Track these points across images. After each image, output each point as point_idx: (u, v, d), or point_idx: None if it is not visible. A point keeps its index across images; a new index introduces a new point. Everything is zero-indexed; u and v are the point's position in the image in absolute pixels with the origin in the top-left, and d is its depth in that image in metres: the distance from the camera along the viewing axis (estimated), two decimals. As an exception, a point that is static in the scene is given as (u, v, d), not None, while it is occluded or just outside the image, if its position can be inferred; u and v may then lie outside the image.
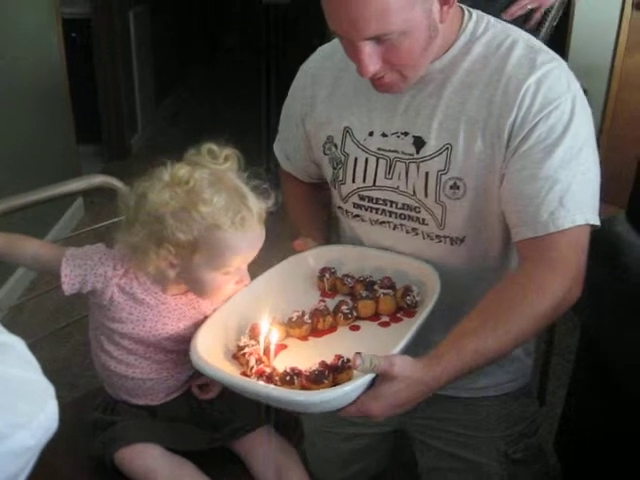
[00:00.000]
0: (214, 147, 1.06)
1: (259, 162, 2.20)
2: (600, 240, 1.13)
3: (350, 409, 0.93)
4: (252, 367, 1.00)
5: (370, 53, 1.01)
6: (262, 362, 1.01)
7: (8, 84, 2.40)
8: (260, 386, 0.95)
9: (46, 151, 2.72)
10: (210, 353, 1.02)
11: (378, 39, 1.00)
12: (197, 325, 1.10)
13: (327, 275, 1.21)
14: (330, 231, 1.37)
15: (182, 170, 1.03)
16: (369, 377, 0.92)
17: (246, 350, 1.03)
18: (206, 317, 1.11)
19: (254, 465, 1.12)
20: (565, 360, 1.50)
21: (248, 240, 1.04)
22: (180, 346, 1.10)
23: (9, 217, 1.22)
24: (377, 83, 1.08)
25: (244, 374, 1.01)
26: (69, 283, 1.07)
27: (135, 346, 1.10)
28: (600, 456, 1.51)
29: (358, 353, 0.90)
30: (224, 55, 4.69)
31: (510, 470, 1.28)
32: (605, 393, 1.46)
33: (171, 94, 4.28)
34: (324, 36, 2.32)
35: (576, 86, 1.10)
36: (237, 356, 1.05)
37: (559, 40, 2.30)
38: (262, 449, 1.11)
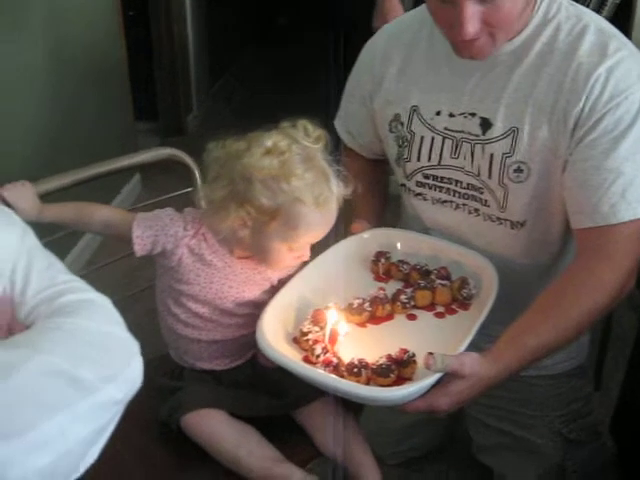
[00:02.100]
0: (309, 125, 1.09)
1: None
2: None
3: (418, 405, 0.97)
4: (318, 356, 1.02)
5: (473, 13, 1.01)
6: (328, 351, 1.03)
7: (68, 62, 2.45)
8: (331, 379, 0.98)
9: (105, 128, 2.77)
10: (273, 336, 1.04)
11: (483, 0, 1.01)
12: (261, 290, 1.15)
13: (382, 260, 1.22)
14: (385, 212, 1.39)
15: (283, 142, 1.06)
16: (439, 375, 0.95)
17: (310, 337, 1.05)
18: (271, 284, 1.15)
19: (316, 434, 1.15)
20: (623, 344, 1.49)
21: (323, 220, 1.08)
22: (244, 310, 1.14)
23: (68, 195, 1.26)
24: (467, 46, 1.07)
25: (306, 359, 1.04)
26: (141, 244, 1.11)
27: (201, 309, 1.14)
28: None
29: (430, 353, 0.94)
30: (281, 33, 4.67)
31: (565, 449, 1.29)
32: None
33: (226, 73, 4.32)
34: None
35: None
36: (299, 341, 1.07)
37: (623, 17, 2.24)
38: (324, 419, 1.13)
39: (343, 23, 3.02)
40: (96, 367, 0.67)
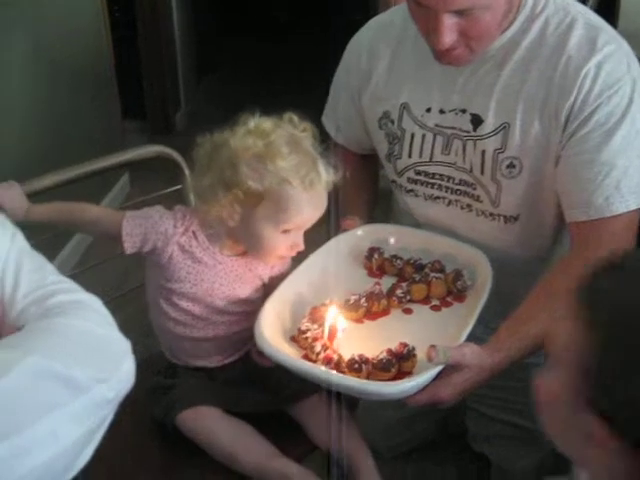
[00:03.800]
0: (294, 117, 1.10)
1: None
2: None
3: (421, 397, 0.97)
4: (318, 353, 1.02)
5: (450, 25, 1.01)
6: (327, 348, 1.04)
7: (54, 62, 2.44)
8: (334, 376, 0.98)
9: (93, 127, 2.76)
10: (272, 335, 1.04)
11: (461, 12, 1.00)
12: (252, 288, 1.14)
13: (376, 255, 1.22)
14: (374, 208, 1.39)
15: (267, 123, 1.07)
16: (441, 367, 0.96)
17: (309, 334, 1.05)
18: (262, 282, 1.15)
19: (311, 429, 1.16)
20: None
21: (313, 203, 1.07)
22: (236, 308, 1.14)
23: (57, 194, 1.25)
24: (444, 54, 1.07)
25: (306, 357, 1.04)
26: (130, 242, 1.10)
27: (192, 307, 1.14)
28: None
29: (433, 346, 0.94)
30: (273, 29, 4.65)
31: None
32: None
33: (215, 70, 4.30)
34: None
35: (636, 68, 1.09)
36: (297, 339, 1.07)
37: (608, 7, 2.24)
38: (319, 414, 1.14)
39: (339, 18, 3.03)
40: (88, 367, 0.67)
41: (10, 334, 0.67)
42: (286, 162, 1.04)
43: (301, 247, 1.12)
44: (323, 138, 1.37)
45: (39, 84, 2.33)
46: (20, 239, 0.77)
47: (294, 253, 1.14)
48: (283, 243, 1.10)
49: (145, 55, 3.51)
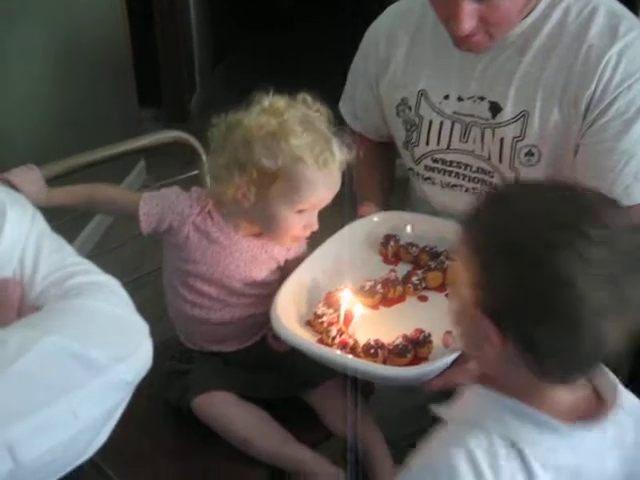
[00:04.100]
0: (308, 97, 1.10)
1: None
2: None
3: (437, 382, 0.98)
4: (334, 338, 1.03)
5: (470, 11, 1.00)
6: (343, 333, 1.04)
7: (71, 50, 2.44)
8: (351, 360, 0.99)
9: (110, 114, 2.77)
10: (287, 320, 1.05)
11: None
12: (268, 270, 1.15)
13: (391, 242, 1.22)
14: (391, 196, 1.38)
15: (281, 102, 1.08)
16: (458, 353, 0.96)
17: (324, 319, 1.06)
18: (277, 264, 1.15)
19: (326, 416, 1.16)
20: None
21: (326, 181, 1.07)
22: (252, 290, 1.15)
23: (74, 182, 1.26)
24: (463, 41, 1.07)
25: (321, 341, 1.04)
26: (147, 221, 1.11)
27: (208, 289, 1.14)
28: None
29: (449, 332, 0.95)
30: (287, 16, 4.64)
31: None
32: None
33: (230, 56, 4.30)
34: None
35: None
36: (313, 323, 1.07)
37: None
38: (335, 400, 1.14)
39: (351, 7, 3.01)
40: (107, 348, 0.67)
41: (30, 314, 0.68)
42: (300, 140, 1.04)
43: (315, 227, 1.12)
44: (339, 122, 1.38)
45: (58, 72, 2.34)
46: (40, 221, 0.77)
47: (308, 233, 1.14)
48: (297, 223, 1.10)
49: (162, 43, 3.52)
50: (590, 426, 0.70)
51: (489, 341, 0.70)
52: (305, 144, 1.04)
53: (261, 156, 1.04)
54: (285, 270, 1.16)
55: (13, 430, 0.60)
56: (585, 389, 0.74)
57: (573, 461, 0.70)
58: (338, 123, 1.24)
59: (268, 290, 1.13)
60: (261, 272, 1.15)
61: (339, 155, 1.07)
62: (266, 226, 1.12)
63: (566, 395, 0.72)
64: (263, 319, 1.12)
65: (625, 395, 0.75)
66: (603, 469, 0.72)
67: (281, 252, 1.16)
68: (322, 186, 1.07)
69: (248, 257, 1.14)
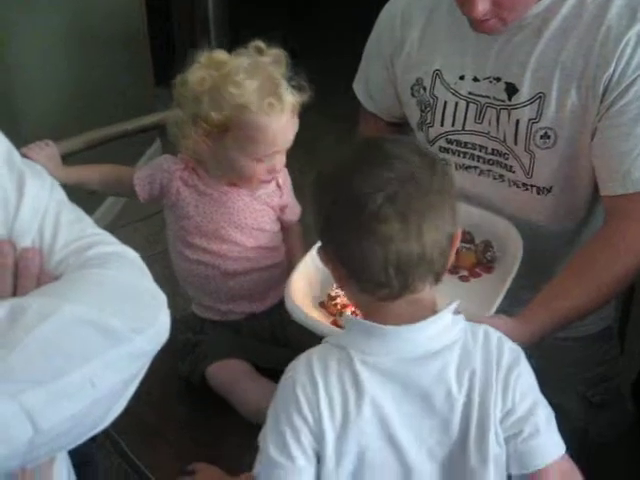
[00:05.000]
0: (262, 45, 1.13)
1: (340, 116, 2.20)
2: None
3: None
4: None
5: None
6: (357, 315, 1.04)
7: (88, 28, 2.45)
8: None
9: (125, 92, 2.77)
10: (301, 300, 1.05)
11: None
12: (265, 218, 1.18)
13: None
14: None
15: (219, 54, 1.11)
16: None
17: (338, 301, 1.06)
18: (273, 211, 1.19)
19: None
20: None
21: (276, 126, 1.09)
22: (251, 240, 1.18)
23: (90, 160, 1.29)
24: (478, 23, 1.06)
25: (334, 323, 1.04)
26: (140, 185, 1.17)
27: (207, 243, 1.17)
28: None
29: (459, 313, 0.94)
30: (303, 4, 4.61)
31: (589, 413, 1.29)
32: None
33: (247, 36, 4.29)
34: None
35: None
36: (326, 305, 1.08)
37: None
38: None
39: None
40: (126, 317, 0.68)
41: (49, 283, 0.68)
42: (241, 89, 1.06)
43: (279, 169, 1.15)
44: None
45: (72, 51, 2.35)
46: (59, 190, 0.77)
47: (274, 176, 1.16)
48: (260, 169, 1.12)
49: (178, 22, 3.51)
50: (411, 328, 0.77)
51: (333, 273, 0.82)
52: (249, 91, 1.06)
53: (208, 109, 1.07)
54: (285, 220, 1.22)
55: (32, 397, 0.60)
56: (426, 305, 0.81)
57: (392, 365, 0.77)
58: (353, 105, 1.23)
59: (267, 240, 1.18)
60: (256, 220, 1.18)
61: (288, 98, 1.09)
62: (231, 175, 1.15)
63: (403, 310, 0.79)
64: (270, 275, 1.17)
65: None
66: (429, 376, 0.77)
67: (272, 198, 1.19)
68: (272, 131, 1.09)
69: (240, 205, 1.17)
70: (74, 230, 0.73)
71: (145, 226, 1.50)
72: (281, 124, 1.09)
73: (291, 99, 1.10)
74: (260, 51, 1.13)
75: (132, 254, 0.75)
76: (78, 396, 0.64)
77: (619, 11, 1.06)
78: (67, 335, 0.64)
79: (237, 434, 1.12)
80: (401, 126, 1.36)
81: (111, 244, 0.75)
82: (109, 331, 0.65)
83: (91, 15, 2.47)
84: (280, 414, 0.78)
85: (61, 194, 0.77)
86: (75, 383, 0.63)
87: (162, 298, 0.74)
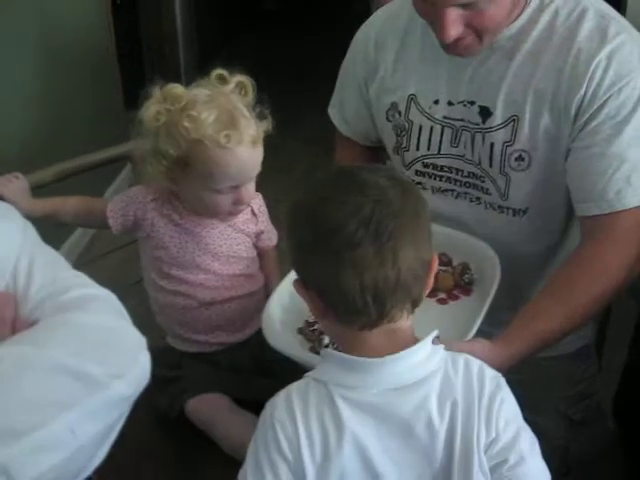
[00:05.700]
0: (225, 73, 1.10)
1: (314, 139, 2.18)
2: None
3: None
4: (326, 346, 1.02)
5: (455, 18, 1.00)
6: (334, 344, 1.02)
7: (56, 51, 2.42)
8: None
9: (95, 117, 2.75)
10: (279, 327, 1.04)
11: (465, 5, 0.99)
12: (241, 245, 1.17)
13: None
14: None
15: (175, 88, 1.08)
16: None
17: (316, 327, 1.04)
18: (249, 238, 1.18)
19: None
20: (621, 326, 1.49)
21: (236, 160, 1.06)
22: (228, 268, 1.16)
23: (58, 188, 1.27)
24: (451, 46, 1.06)
25: (313, 350, 1.03)
26: (114, 218, 1.15)
27: (184, 274, 1.15)
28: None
29: (437, 337, 0.92)
30: (271, 22, 4.64)
31: (570, 431, 1.28)
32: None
33: (216, 59, 4.29)
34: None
35: None
36: (304, 331, 1.06)
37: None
38: None
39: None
40: (104, 363, 0.66)
41: (24, 329, 0.66)
42: (196, 123, 1.04)
43: (246, 201, 1.12)
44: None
45: (39, 76, 2.33)
46: (32, 232, 0.75)
47: (241, 209, 1.14)
48: (224, 201, 1.10)
49: (147, 46, 3.50)
50: (394, 358, 0.77)
51: (310, 304, 0.81)
52: (205, 125, 1.04)
53: (166, 145, 1.05)
54: (260, 247, 1.20)
55: (9, 451, 0.58)
56: (405, 334, 0.80)
57: (373, 398, 0.76)
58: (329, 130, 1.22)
59: (244, 267, 1.16)
60: (231, 248, 1.16)
61: (247, 129, 1.06)
62: (197, 207, 1.13)
63: (381, 340, 0.78)
64: (249, 303, 1.15)
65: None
66: (410, 406, 0.76)
67: (248, 225, 1.18)
68: (232, 165, 1.06)
69: (215, 234, 1.15)
70: (48, 273, 0.71)
71: (115, 257, 1.48)
72: (242, 157, 1.06)
73: (251, 130, 1.07)
74: (222, 80, 1.10)
75: (108, 296, 0.73)
76: (59, 447, 0.62)
77: (589, 34, 1.06)
78: (45, 384, 0.62)
79: (216, 470, 1.09)
80: (377, 150, 1.35)
81: (87, 286, 0.73)
82: (88, 378, 0.64)
83: (59, 39, 2.45)
84: (260, 452, 0.77)
85: (34, 235, 0.76)
86: (55, 434, 0.62)
87: (141, 340, 0.72)
